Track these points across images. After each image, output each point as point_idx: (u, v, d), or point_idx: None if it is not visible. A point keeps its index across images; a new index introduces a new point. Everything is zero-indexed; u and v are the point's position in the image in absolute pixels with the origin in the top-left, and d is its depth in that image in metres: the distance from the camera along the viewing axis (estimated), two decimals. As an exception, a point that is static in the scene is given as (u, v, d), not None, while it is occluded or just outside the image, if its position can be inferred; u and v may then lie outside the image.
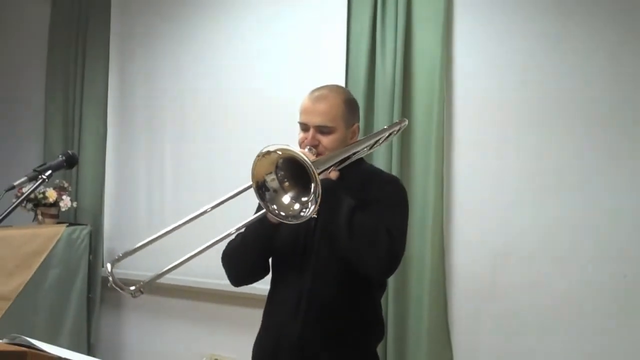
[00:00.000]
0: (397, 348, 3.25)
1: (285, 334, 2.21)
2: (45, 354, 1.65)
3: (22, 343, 1.70)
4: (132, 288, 1.94)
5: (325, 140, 2.18)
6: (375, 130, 3.26)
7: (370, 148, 2.41)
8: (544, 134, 3.10)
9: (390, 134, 2.52)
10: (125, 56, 4.37)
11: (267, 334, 2.33)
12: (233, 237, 2.21)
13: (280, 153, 1.89)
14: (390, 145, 3.25)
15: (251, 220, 2.12)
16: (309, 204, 1.86)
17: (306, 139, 2.20)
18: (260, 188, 1.93)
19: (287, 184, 1.94)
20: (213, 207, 2.17)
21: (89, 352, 4.01)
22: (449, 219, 3.27)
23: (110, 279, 1.98)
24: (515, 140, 3.16)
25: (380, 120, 3.30)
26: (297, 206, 1.92)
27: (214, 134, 3.98)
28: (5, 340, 1.75)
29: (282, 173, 1.94)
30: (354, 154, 2.22)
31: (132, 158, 4.32)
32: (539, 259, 3.08)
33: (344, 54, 3.49)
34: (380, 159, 3.27)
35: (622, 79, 2.97)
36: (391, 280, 3.23)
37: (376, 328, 2.31)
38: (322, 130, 2.19)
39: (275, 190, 1.94)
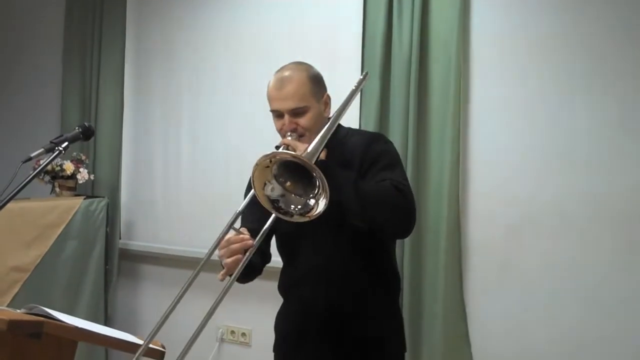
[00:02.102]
0: (412, 322, 3.27)
1: (310, 308, 2.23)
2: (62, 323, 1.67)
3: (40, 313, 1.72)
4: None
5: (303, 121, 2.17)
6: (388, 101, 3.33)
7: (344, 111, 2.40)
8: (561, 103, 3.08)
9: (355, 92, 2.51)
10: (142, 27, 4.36)
11: (291, 310, 2.35)
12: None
13: (271, 161, 1.87)
14: (407, 114, 3.25)
15: (267, 228, 2.07)
16: (318, 195, 1.85)
17: (284, 124, 2.18)
18: (273, 204, 1.92)
19: (288, 184, 1.93)
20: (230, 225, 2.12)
21: (106, 323, 4.04)
22: (465, 190, 3.27)
23: None
24: (532, 109, 3.14)
25: (397, 90, 3.29)
26: (303, 199, 1.91)
27: (231, 105, 3.98)
28: (23, 310, 1.78)
29: (281, 177, 1.92)
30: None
31: (149, 130, 4.32)
32: (554, 229, 3.08)
33: (360, 24, 3.46)
34: (396, 132, 3.26)
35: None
36: (406, 252, 3.23)
37: (395, 280, 2.35)
38: (296, 112, 2.17)
39: (283, 195, 1.93)
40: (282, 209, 1.91)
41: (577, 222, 3.04)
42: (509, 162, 3.18)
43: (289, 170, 1.92)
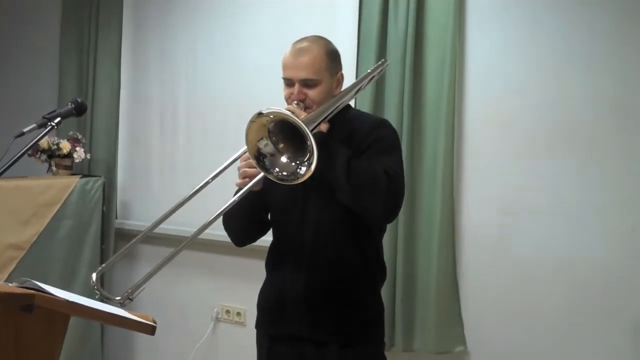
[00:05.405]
0: (406, 302, 3.28)
1: (290, 284, 2.27)
2: (53, 297, 1.68)
3: (31, 286, 1.73)
4: (119, 298, 1.95)
5: (312, 93, 2.20)
6: (383, 86, 3.32)
7: (355, 93, 2.42)
8: (557, 88, 3.07)
9: (372, 78, 2.54)
10: (139, 6, 4.35)
11: (272, 286, 2.38)
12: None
13: (272, 116, 1.91)
14: (402, 99, 3.24)
15: (253, 183, 2.13)
16: (306, 162, 1.88)
17: (292, 94, 2.20)
18: (259, 157, 1.95)
19: (281, 145, 1.96)
20: (213, 178, 2.21)
21: (102, 302, 4.05)
22: (459, 174, 3.27)
23: (97, 292, 2.02)
24: (527, 95, 3.14)
25: (392, 75, 3.27)
26: (294, 165, 1.93)
27: (227, 84, 3.97)
28: (14, 284, 1.78)
29: (275, 137, 1.95)
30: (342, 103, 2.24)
31: (146, 109, 4.33)
32: (548, 214, 3.08)
33: (356, 8, 3.45)
34: (392, 114, 3.24)
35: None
36: (400, 235, 3.24)
37: (379, 270, 2.38)
38: (307, 83, 2.20)
39: (272, 155, 1.96)
40: (265, 165, 1.96)
41: (571, 206, 3.04)
42: (504, 146, 3.19)
43: (285, 134, 1.95)
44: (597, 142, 2.99)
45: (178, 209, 2.21)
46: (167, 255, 2.06)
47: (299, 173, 1.92)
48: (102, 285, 4.11)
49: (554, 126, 3.07)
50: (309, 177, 1.93)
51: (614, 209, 2.96)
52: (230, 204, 2.11)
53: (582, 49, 3.02)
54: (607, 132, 2.97)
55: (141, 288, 1.95)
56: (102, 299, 1.94)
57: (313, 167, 1.85)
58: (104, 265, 2.21)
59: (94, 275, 2.03)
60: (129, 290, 1.94)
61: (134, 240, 2.18)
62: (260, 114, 1.91)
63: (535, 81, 3.12)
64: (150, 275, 2.00)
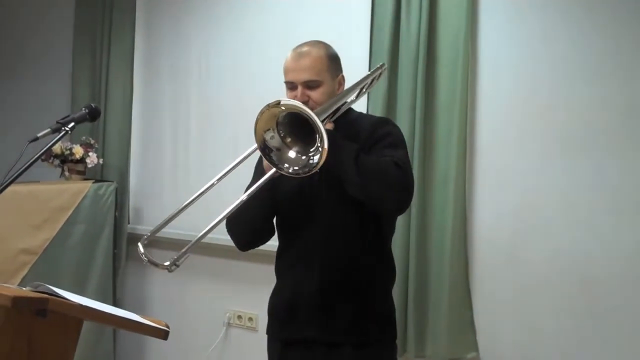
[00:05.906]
0: (418, 308, 3.27)
1: (302, 286, 2.27)
2: (67, 301, 1.68)
3: (45, 291, 1.73)
4: (167, 263, 2.00)
5: (315, 95, 2.23)
6: (395, 93, 3.32)
7: (357, 96, 2.44)
8: (569, 95, 3.06)
9: (372, 80, 2.57)
10: (152, 12, 4.37)
11: (283, 289, 2.38)
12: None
13: (283, 108, 1.92)
14: (414, 106, 3.24)
15: (262, 182, 2.12)
16: (316, 153, 1.89)
17: (295, 97, 2.22)
18: (264, 150, 1.96)
19: (289, 140, 1.97)
20: (220, 178, 2.27)
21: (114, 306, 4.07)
22: (472, 178, 3.26)
23: (145, 258, 2.05)
24: (540, 101, 3.12)
25: (405, 81, 3.28)
26: (304, 158, 1.94)
27: (239, 90, 3.97)
28: (28, 288, 1.79)
29: (283, 130, 1.96)
30: (345, 103, 2.28)
31: (158, 115, 4.34)
32: (561, 217, 3.07)
33: (369, 14, 3.45)
34: (404, 121, 3.24)
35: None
36: (412, 239, 3.23)
37: (389, 270, 2.39)
38: (309, 85, 2.23)
39: (279, 149, 1.97)
40: (273, 160, 1.97)
41: (584, 209, 3.02)
42: (516, 149, 3.17)
43: (292, 127, 1.97)
44: (610, 144, 2.97)
45: (197, 200, 2.31)
46: (209, 225, 2.10)
47: (311, 164, 1.93)
48: (114, 290, 4.17)
49: (567, 128, 3.06)
50: (319, 173, 1.94)
51: (628, 211, 2.94)
52: (250, 193, 2.12)
53: (595, 49, 3.00)
54: (620, 133, 2.96)
55: (186, 255, 2.01)
56: (150, 264, 2.03)
57: (326, 146, 1.85)
58: (152, 230, 2.22)
59: (141, 246, 2.11)
60: (175, 257, 2.00)
61: (185, 203, 2.30)
62: (278, 104, 1.92)
63: (547, 83, 3.10)
64: (194, 243, 2.07)
